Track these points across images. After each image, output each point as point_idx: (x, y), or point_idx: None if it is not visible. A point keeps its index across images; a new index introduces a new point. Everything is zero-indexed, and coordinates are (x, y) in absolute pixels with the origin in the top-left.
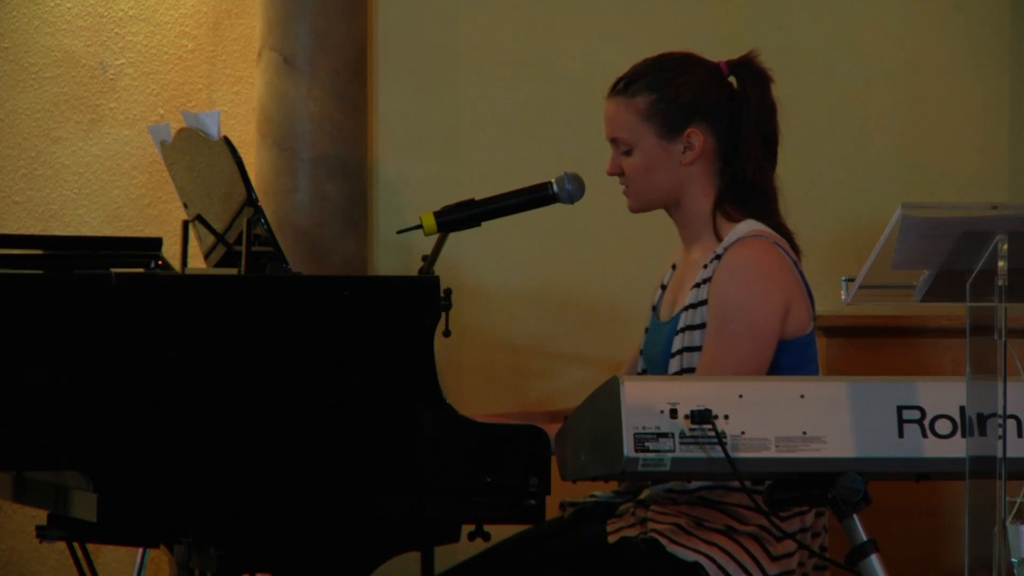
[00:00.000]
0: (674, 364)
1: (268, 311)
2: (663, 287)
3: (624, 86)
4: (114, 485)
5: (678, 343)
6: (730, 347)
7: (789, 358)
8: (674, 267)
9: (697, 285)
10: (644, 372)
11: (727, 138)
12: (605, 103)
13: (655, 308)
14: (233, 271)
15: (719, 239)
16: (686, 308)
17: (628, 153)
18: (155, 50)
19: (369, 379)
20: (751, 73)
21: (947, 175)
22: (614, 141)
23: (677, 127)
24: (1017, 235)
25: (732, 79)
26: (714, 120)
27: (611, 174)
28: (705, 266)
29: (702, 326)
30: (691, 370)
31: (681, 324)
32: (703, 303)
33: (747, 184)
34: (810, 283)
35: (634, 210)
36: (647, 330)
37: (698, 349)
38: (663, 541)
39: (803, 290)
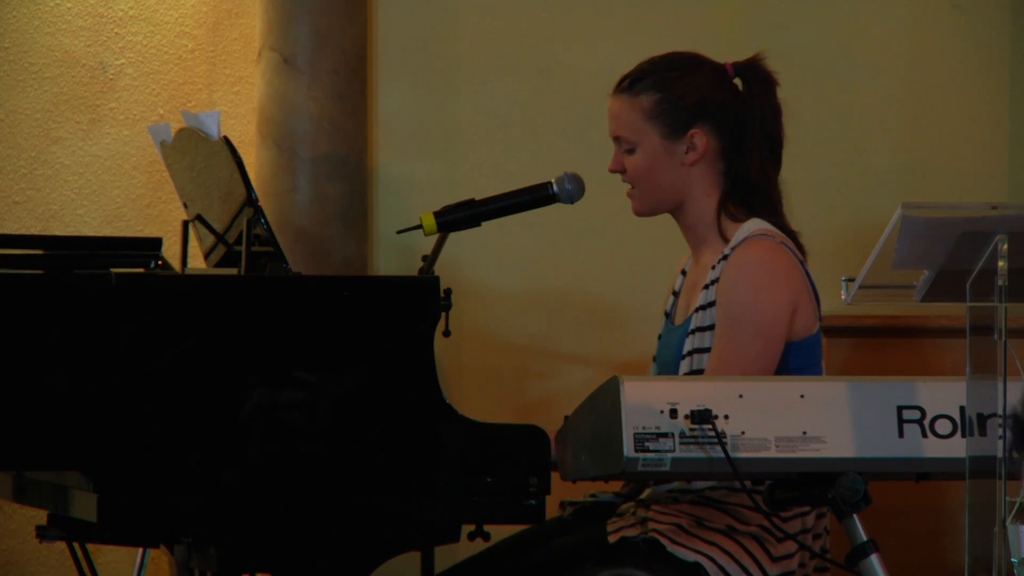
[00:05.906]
0: (684, 366)
1: (268, 311)
2: (675, 293)
3: (629, 84)
4: (114, 485)
5: (688, 345)
6: (738, 347)
7: (796, 359)
8: (684, 273)
9: (706, 286)
10: None
11: (731, 139)
12: (609, 100)
13: (668, 315)
14: (233, 271)
15: (725, 240)
16: (697, 310)
17: (631, 152)
18: (155, 50)
19: (369, 379)
20: (757, 76)
21: (947, 175)
22: (617, 139)
23: (681, 127)
24: (1017, 235)
25: (737, 81)
26: (718, 121)
27: (612, 171)
28: (713, 267)
29: (712, 327)
30: (701, 371)
31: (692, 326)
32: (712, 304)
33: (750, 186)
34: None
35: (639, 213)
36: (660, 337)
37: (708, 350)
38: (663, 541)
39: (810, 290)
